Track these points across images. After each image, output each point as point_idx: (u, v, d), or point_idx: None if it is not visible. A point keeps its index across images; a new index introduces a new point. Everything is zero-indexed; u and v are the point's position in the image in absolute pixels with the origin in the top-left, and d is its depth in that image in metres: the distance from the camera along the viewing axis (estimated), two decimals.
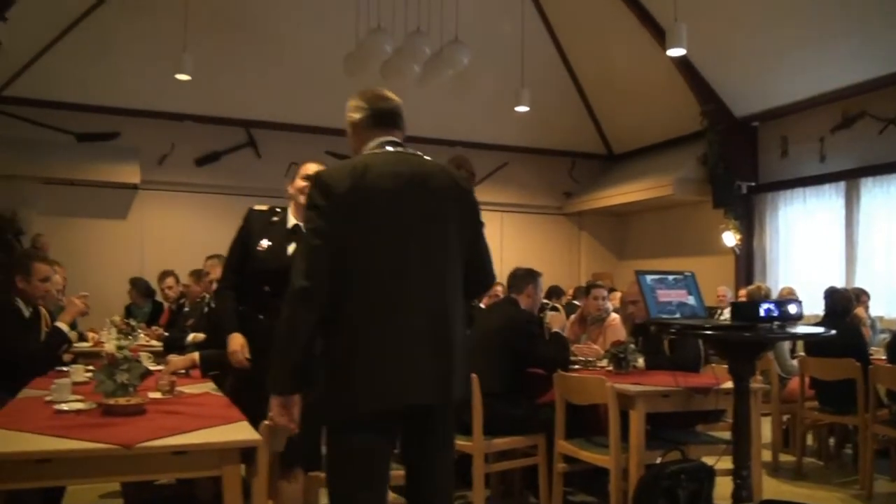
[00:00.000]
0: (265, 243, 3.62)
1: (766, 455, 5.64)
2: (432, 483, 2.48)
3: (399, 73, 8.27)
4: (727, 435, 5.12)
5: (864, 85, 8.58)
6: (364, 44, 7.99)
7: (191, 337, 5.23)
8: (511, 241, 11.39)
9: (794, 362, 6.22)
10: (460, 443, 4.22)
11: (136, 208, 10.38)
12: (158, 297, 8.52)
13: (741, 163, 10.16)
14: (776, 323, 3.54)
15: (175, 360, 4.18)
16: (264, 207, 3.79)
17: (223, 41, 9.49)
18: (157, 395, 3.28)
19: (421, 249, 2.41)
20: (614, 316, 6.30)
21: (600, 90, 11.63)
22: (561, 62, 11.36)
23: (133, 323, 6.85)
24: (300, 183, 3.61)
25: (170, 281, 7.44)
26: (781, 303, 3.62)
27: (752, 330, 3.52)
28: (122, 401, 2.88)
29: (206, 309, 5.51)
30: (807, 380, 5.84)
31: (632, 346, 4.65)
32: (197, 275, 6.54)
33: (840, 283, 8.79)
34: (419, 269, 2.39)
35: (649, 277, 3.82)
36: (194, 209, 10.59)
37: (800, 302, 3.78)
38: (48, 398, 3.15)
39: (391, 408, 2.34)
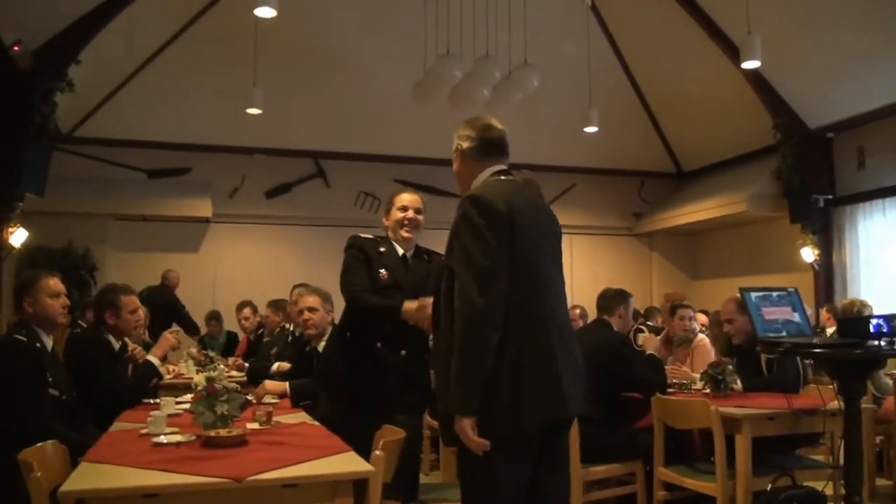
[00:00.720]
0: (384, 272, 3.65)
1: None
2: (558, 498, 2.63)
3: (468, 99, 8.21)
4: (821, 458, 4.95)
5: None
6: (433, 70, 7.95)
7: (276, 366, 5.19)
8: (581, 263, 11.25)
9: (889, 380, 5.93)
10: None
11: (207, 241, 10.51)
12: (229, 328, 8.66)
13: (817, 176, 9.84)
14: (885, 339, 3.36)
15: (270, 384, 4.16)
16: (369, 236, 3.83)
17: (291, 74, 9.57)
18: (255, 425, 3.23)
19: (553, 272, 2.62)
20: (702, 336, 6.11)
21: (668, 107, 11.43)
22: (627, 80, 11.20)
23: (211, 354, 6.94)
24: (399, 214, 3.65)
25: (247, 311, 7.48)
26: (891, 317, 3.42)
27: (863, 347, 3.33)
28: (222, 432, 2.83)
29: (289, 338, 5.50)
30: None
31: (729, 367, 4.46)
32: (275, 305, 6.54)
33: None
34: (555, 291, 2.60)
35: (754, 295, 3.66)
36: (265, 241, 10.70)
37: None
38: (144, 431, 3.13)
39: (551, 421, 2.49)
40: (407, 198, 3.80)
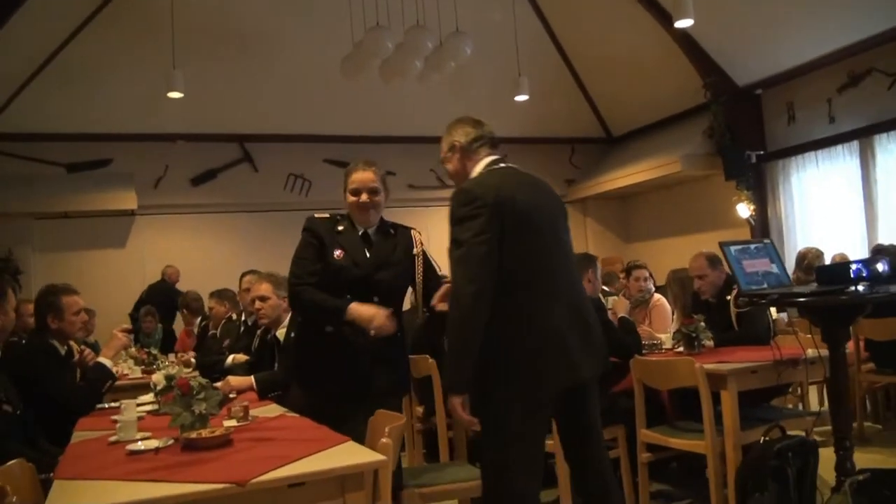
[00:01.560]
0: (339, 252, 3.35)
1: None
2: (596, 449, 2.84)
3: (400, 71, 8.00)
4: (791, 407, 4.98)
5: (868, 42, 8.37)
6: (363, 43, 7.69)
7: (231, 359, 4.94)
8: None
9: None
10: None
11: (134, 235, 10.06)
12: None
13: (748, 132, 9.97)
14: (864, 284, 3.33)
15: (234, 380, 3.91)
16: (325, 215, 3.49)
17: (211, 55, 9.16)
18: (233, 422, 3.00)
19: (554, 249, 2.77)
20: (658, 296, 6.09)
21: (595, 72, 11.40)
22: (554, 47, 11.13)
23: (154, 351, 6.61)
24: (351, 199, 3.38)
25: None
26: (869, 262, 3.40)
27: (847, 293, 3.29)
28: (205, 433, 2.60)
29: (241, 328, 5.23)
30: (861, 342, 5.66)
31: (702, 324, 4.42)
32: (220, 295, 6.24)
33: (862, 244, 8.69)
34: (560, 267, 2.77)
35: (733, 248, 3.59)
36: (194, 230, 10.33)
37: (887, 259, 3.56)
38: (113, 438, 2.87)
39: (564, 388, 2.68)
40: (358, 178, 3.40)
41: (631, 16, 9.80)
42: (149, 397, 4.29)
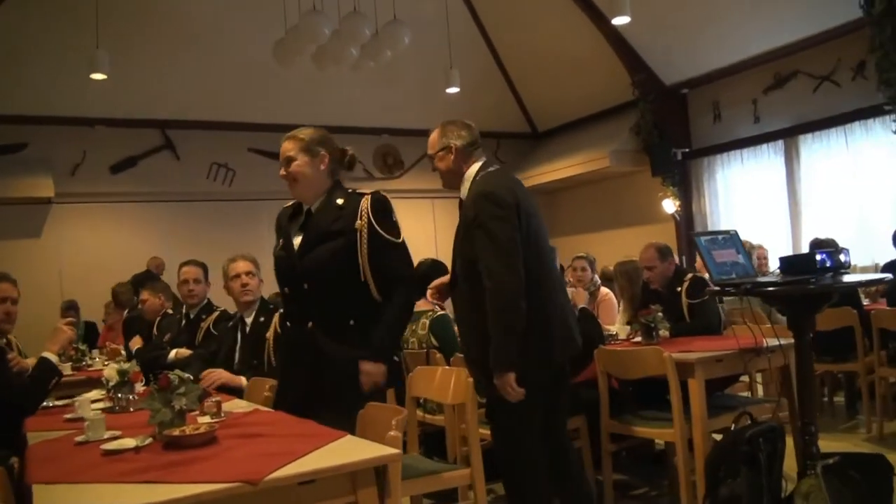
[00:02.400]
0: (280, 242, 3.13)
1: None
2: (563, 420, 3.38)
3: (335, 58, 7.83)
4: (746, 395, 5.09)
5: (794, 45, 8.66)
6: (298, 28, 7.49)
7: (174, 353, 4.72)
8: (443, 227, 11.09)
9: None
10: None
11: (50, 224, 9.52)
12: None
13: (674, 130, 10.20)
14: (829, 273, 3.41)
15: (227, 374, 3.75)
16: (290, 202, 3.25)
17: (135, 35, 8.78)
18: (206, 418, 2.83)
19: (546, 241, 3.21)
20: (605, 290, 6.13)
21: (523, 67, 11.45)
22: (483, 40, 11.13)
23: (82, 347, 6.28)
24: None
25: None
26: (833, 252, 3.48)
27: (816, 283, 3.36)
28: (188, 430, 2.44)
29: (183, 321, 5.01)
30: None
31: (659, 314, 4.45)
32: (153, 287, 5.96)
33: (787, 239, 8.99)
34: (550, 257, 3.24)
35: (703, 239, 3.59)
36: (114, 220, 9.87)
37: (847, 250, 3.66)
38: (80, 438, 2.66)
39: (569, 355, 3.20)
40: (281, 151, 3.08)
41: (562, 12, 9.88)
42: (95, 394, 4.08)
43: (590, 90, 10.84)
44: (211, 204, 10.25)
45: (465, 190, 3.17)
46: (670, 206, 10.10)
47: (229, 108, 9.91)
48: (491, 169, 3.17)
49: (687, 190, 10.26)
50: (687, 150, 10.20)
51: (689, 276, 4.92)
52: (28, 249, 9.16)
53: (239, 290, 4.11)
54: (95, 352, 6.87)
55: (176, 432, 2.42)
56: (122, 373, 3.56)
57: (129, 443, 2.47)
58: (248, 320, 4.15)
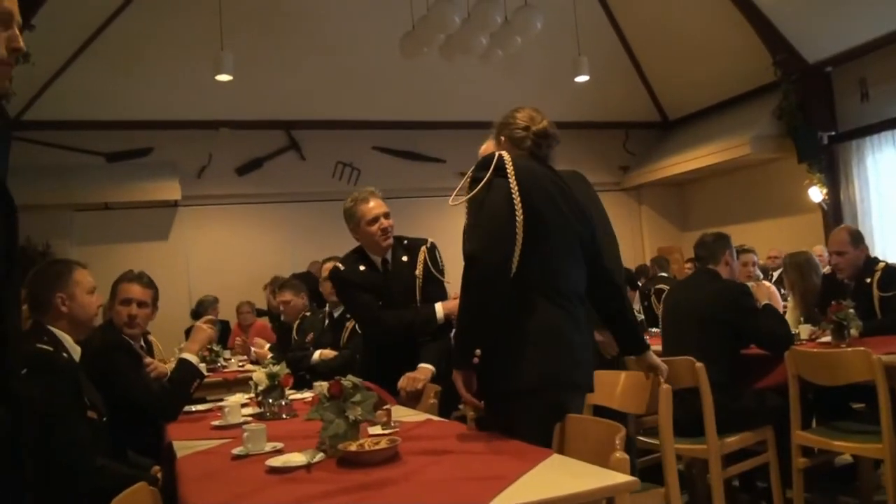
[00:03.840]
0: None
1: None
2: None
3: (464, 48, 7.54)
4: None
5: None
6: (428, 17, 7.23)
7: (317, 354, 4.51)
8: None
9: None
10: (688, 446, 3.52)
11: (177, 227, 9.59)
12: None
13: (818, 112, 9.44)
14: None
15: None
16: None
17: (259, 36, 8.70)
18: (377, 429, 2.54)
19: None
20: (767, 284, 5.58)
21: (653, 52, 10.85)
22: (610, 25, 10.62)
23: (216, 347, 6.17)
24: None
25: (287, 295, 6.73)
26: None
27: None
28: (367, 444, 2.15)
29: (326, 321, 4.79)
30: None
31: (851, 311, 3.93)
32: (295, 287, 5.78)
33: None
34: None
35: None
36: (239, 221, 9.88)
37: None
38: (238, 451, 2.41)
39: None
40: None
41: None
42: (237, 398, 3.88)
43: (725, 73, 10.17)
44: (337, 203, 10.06)
45: None
46: (817, 194, 9.36)
47: (353, 107, 9.76)
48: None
49: (835, 177, 9.49)
50: (832, 133, 9.43)
51: (882, 264, 4.37)
52: (155, 252, 9.23)
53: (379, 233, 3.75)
54: (228, 352, 6.79)
55: (353, 447, 2.13)
56: (272, 376, 3.33)
57: (298, 458, 2.19)
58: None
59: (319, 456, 2.19)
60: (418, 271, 3.60)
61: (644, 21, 10.41)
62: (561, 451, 2.16)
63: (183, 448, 2.67)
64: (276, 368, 3.36)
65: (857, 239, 4.38)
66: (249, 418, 3.18)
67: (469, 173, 2.52)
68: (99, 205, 9.07)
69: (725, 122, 10.40)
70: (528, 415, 2.30)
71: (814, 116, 9.39)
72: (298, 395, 3.68)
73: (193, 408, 3.69)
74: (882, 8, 8.22)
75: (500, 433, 2.31)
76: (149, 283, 4.00)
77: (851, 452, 3.52)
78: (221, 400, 3.91)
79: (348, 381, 2.29)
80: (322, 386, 2.78)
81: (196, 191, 9.43)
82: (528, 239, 2.37)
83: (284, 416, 3.20)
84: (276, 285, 6.77)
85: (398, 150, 10.22)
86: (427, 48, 7.55)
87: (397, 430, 2.54)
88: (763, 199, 10.37)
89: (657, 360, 2.64)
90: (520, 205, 2.37)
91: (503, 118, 2.74)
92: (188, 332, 7.85)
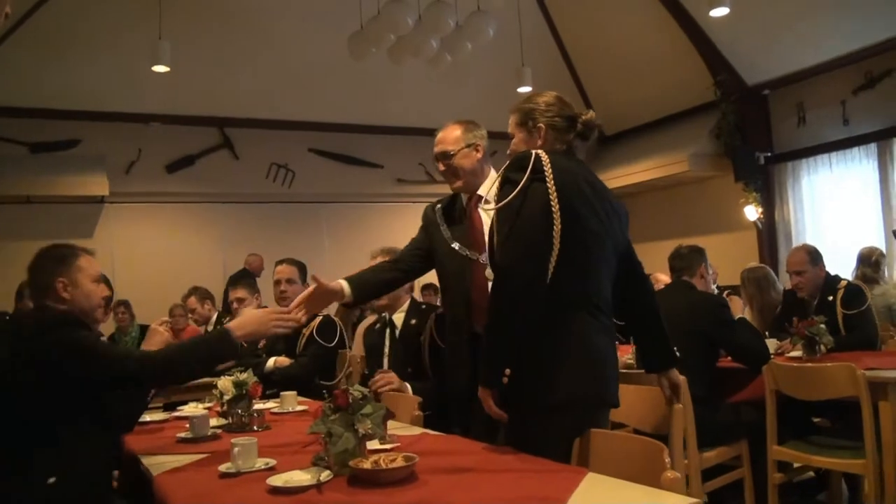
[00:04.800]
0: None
1: None
2: None
3: (413, 52, 7.38)
4: None
5: (886, 43, 8.09)
6: (378, 19, 7.04)
7: (272, 361, 4.26)
8: None
9: None
10: None
11: (103, 224, 9.10)
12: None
13: (755, 133, 9.64)
14: None
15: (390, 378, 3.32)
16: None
17: (198, 28, 8.34)
18: (375, 444, 2.35)
19: None
20: (735, 298, 5.58)
21: (592, 66, 10.91)
22: (552, 38, 10.64)
23: None
24: None
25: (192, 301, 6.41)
26: None
27: None
28: (382, 461, 1.96)
29: None
30: None
31: (822, 325, 3.94)
32: (250, 286, 5.49)
33: (879, 248, 8.40)
34: None
35: None
36: (169, 221, 9.47)
37: None
38: (225, 468, 2.19)
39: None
40: None
41: (640, 7, 9.37)
42: (192, 407, 3.65)
43: (666, 90, 10.28)
44: (270, 206, 9.85)
45: (486, 188, 2.83)
46: (753, 213, 9.55)
47: (290, 106, 9.47)
48: None
49: (770, 196, 9.69)
50: (769, 154, 9.64)
51: (844, 282, 4.41)
52: None
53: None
54: None
55: (367, 465, 1.95)
56: (239, 385, 3.11)
57: (301, 477, 1.99)
58: (396, 318, 3.70)
59: (326, 474, 1.99)
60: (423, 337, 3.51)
61: (584, 35, 10.46)
62: (599, 467, 2.02)
63: (153, 465, 2.42)
64: (242, 376, 3.15)
65: (816, 258, 4.43)
66: (219, 430, 2.95)
67: (501, 172, 2.35)
68: (20, 198, 8.52)
69: (664, 139, 10.52)
70: (556, 431, 2.15)
71: (751, 137, 9.58)
72: (262, 405, 3.45)
73: (147, 417, 3.41)
74: (822, 36, 8.44)
75: (515, 448, 2.16)
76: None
77: (832, 468, 3.48)
78: (175, 409, 3.67)
79: (356, 390, 2.10)
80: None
81: (124, 187, 8.97)
82: (565, 248, 2.20)
83: (256, 427, 2.98)
84: (199, 294, 6.46)
85: (335, 154, 9.98)
86: (376, 49, 7.36)
87: (398, 444, 2.36)
88: (699, 216, 10.51)
89: (680, 377, 2.53)
90: (558, 213, 2.20)
91: (524, 101, 2.57)
92: (112, 337, 7.46)
